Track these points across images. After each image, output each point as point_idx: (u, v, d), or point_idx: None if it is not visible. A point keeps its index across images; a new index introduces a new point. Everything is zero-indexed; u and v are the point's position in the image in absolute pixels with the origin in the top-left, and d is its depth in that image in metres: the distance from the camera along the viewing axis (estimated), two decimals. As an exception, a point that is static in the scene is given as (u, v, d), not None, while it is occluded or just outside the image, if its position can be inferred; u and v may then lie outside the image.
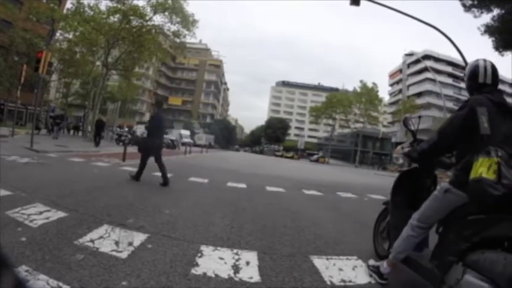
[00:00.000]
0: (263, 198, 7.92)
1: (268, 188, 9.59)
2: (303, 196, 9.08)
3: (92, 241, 3.39)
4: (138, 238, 3.66)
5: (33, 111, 17.00)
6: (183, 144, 38.07)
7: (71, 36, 29.01)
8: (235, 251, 3.58)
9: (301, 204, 7.68)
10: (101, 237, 3.56)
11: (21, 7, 30.25)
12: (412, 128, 3.52)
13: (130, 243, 3.46)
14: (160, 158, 8.21)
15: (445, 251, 2.48)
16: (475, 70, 2.69)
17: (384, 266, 3.01)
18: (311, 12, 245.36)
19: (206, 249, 3.53)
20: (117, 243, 3.44)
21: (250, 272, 3.06)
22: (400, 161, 3.50)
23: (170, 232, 4.05)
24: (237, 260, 3.32)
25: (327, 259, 3.62)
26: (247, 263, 3.27)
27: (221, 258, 3.32)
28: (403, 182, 3.40)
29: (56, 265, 2.70)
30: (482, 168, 2.20)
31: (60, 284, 2.39)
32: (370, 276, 3.18)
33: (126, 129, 41.38)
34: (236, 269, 3.11)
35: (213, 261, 3.24)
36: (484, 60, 2.71)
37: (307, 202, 8.08)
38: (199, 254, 3.37)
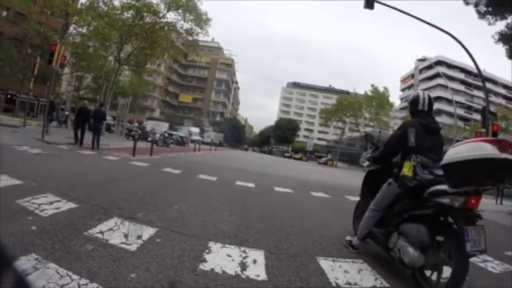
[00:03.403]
0: (271, 198, 7.93)
1: (277, 189, 9.58)
2: (311, 198, 9.06)
3: (102, 233, 3.42)
4: (147, 232, 3.69)
5: (45, 103, 17.16)
6: (192, 141, 38.26)
7: (84, 30, 29.16)
8: (242, 249, 3.58)
9: (309, 205, 7.67)
10: (111, 229, 3.59)
11: (36, 0, 30.51)
12: (373, 140, 4.76)
13: (139, 237, 3.49)
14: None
15: (387, 224, 3.62)
16: (417, 99, 3.76)
17: (354, 240, 4.12)
18: (323, 13, 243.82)
19: (214, 246, 3.54)
20: (126, 236, 3.47)
21: (257, 270, 3.07)
22: (366, 163, 4.58)
23: (179, 227, 4.07)
24: (244, 258, 3.32)
25: (333, 261, 3.62)
26: (254, 262, 3.27)
27: (229, 256, 3.33)
28: (369, 178, 4.51)
29: (65, 254, 2.74)
30: (405, 169, 3.38)
31: (70, 273, 2.42)
32: (346, 248, 4.15)
33: (136, 124, 41.73)
34: (243, 266, 3.11)
35: (221, 258, 3.25)
36: (423, 93, 3.84)
37: (315, 204, 8.08)
38: (207, 250, 3.38)
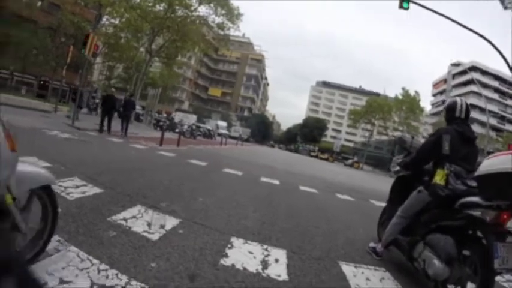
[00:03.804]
0: (296, 196, 7.81)
1: (302, 187, 9.44)
2: (337, 199, 8.88)
3: (125, 220, 3.42)
4: (170, 222, 3.66)
5: (77, 90, 17.65)
6: (219, 134, 38.53)
7: (117, 21, 29.80)
8: (265, 246, 3.50)
9: (334, 207, 7.51)
10: (134, 216, 3.58)
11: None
12: (406, 145, 4.54)
13: (162, 226, 3.47)
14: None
15: (413, 232, 3.48)
16: (454, 106, 3.59)
17: (378, 246, 3.96)
18: (356, 12, 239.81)
19: (236, 241, 3.47)
20: (149, 224, 3.45)
21: (279, 270, 2.98)
22: (396, 168, 4.46)
23: (202, 220, 4.02)
24: (266, 256, 3.24)
25: (355, 267, 3.51)
26: (276, 260, 3.19)
27: (250, 252, 3.25)
28: (398, 184, 4.39)
29: (88, 239, 2.74)
30: (438, 177, 3.24)
31: (90, 257, 2.42)
32: (369, 254, 4.01)
33: (165, 115, 42.30)
34: (265, 264, 3.03)
35: (243, 254, 3.18)
36: (461, 99, 3.65)
37: (340, 206, 7.91)
38: (229, 245, 3.32)
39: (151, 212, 3.86)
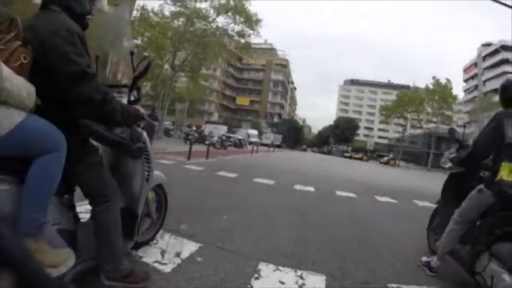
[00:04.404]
0: (333, 204, 7.19)
1: (338, 193, 8.80)
2: (377, 204, 8.17)
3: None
4: (188, 248, 3.18)
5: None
6: (250, 143, 38.26)
7: (138, 41, 30.29)
8: (299, 272, 2.93)
9: (375, 213, 6.82)
10: (147, 243, 3.12)
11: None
12: (458, 137, 3.71)
13: (177, 254, 3.00)
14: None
15: (476, 242, 2.79)
16: (510, 85, 2.93)
17: (433, 260, 3.29)
18: (374, 5, 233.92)
19: (265, 268, 2.92)
20: (163, 252, 2.99)
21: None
22: (448, 164, 3.80)
23: (225, 243, 3.52)
24: (300, 286, 2.68)
25: (409, 289, 2.89)
26: (314, 291, 2.62)
27: (282, 283, 2.69)
28: (452, 182, 3.77)
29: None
30: (504, 172, 2.59)
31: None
32: (422, 270, 3.37)
33: (194, 128, 42.50)
34: (300, 297, 2.47)
35: (272, 284, 2.63)
36: None
37: (382, 211, 7.19)
38: (256, 275, 2.77)
39: (167, 237, 3.40)
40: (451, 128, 3.94)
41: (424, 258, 3.49)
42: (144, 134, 2.41)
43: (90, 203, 2.05)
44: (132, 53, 2.50)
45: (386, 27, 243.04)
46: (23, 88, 1.55)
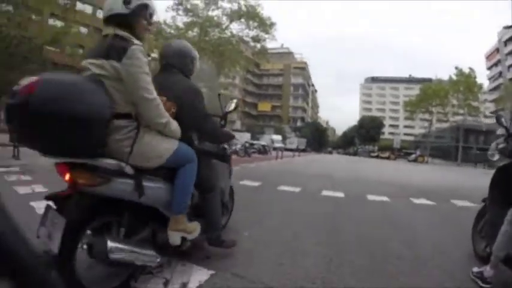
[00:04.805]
0: (365, 211, 6.49)
1: (370, 197, 8.10)
2: (413, 207, 7.40)
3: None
4: (197, 277, 2.66)
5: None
6: (275, 149, 37.70)
7: (155, 54, 30.49)
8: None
9: (413, 219, 6.05)
10: (150, 272, 2.62)
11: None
12: (505, 123, 3.26)
13: (183, 285, 2.50)
14: None
15: None
16: None
17: (487, 269, 2.87)
18: (375, 4, 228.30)
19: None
20: (166, 283, 2.51)
21: None
22: (496, 157, 3.38)
23: (243, 268, 2.94)
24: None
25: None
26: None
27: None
28: (501, 177, 3.30)
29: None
30: None
31: None
32: (475, 282, 2.91)
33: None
34: None
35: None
36: None
37: (420, 216, 6.40)
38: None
39: (174, 263, 2.86)
40: (497, 115, 3.45)
41: (475, 269, 3.05)
42: (226, 146, 3.54)
43: (201, 192, 2.83)
44: (219, 95, 3.80)
45: (401, 22, 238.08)
46: (177, 128, 2.38)
